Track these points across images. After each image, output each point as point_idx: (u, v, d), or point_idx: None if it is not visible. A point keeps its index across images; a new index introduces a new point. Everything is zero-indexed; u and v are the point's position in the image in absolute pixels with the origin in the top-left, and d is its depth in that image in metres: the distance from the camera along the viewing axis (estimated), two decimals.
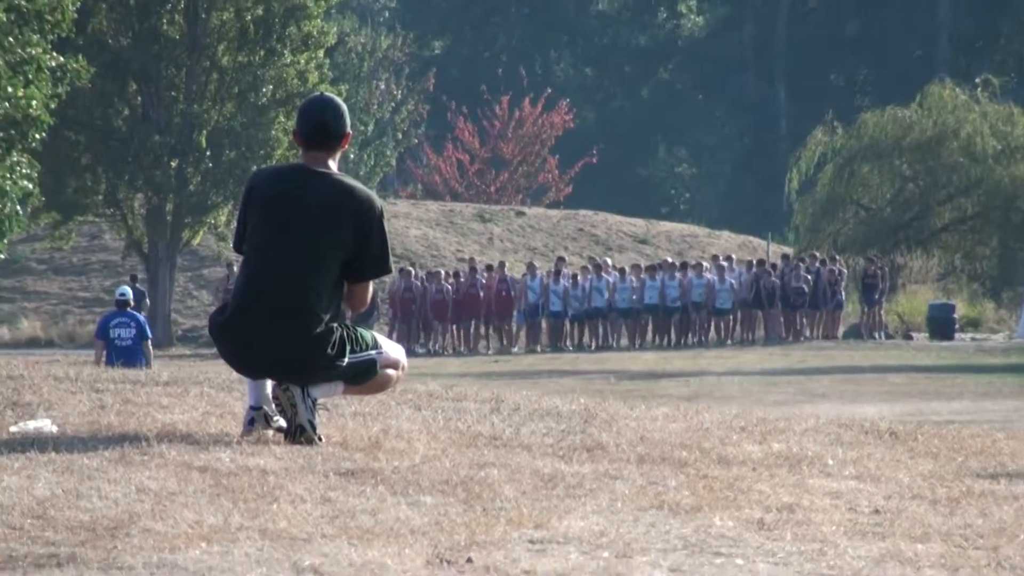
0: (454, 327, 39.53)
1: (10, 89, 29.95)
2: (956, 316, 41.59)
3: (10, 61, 30.20)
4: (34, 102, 30.27)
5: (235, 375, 7.46)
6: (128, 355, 19.79)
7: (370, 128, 66.64)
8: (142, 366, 17.36)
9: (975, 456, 7.65)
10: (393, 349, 7.30)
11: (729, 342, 39.31)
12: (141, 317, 21.26)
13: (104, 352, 20.45)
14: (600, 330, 39.61)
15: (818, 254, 42.46)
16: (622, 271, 40.35)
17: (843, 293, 40.48)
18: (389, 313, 39.77)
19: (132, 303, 21.45)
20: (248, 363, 7.08)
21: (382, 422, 7.82)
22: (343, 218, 7.03)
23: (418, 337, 38.94)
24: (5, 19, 30.16)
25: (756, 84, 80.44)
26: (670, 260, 42.69)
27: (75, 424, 7.35)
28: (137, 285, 36.88)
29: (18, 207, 31.19)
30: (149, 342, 20.94)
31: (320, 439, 6.99)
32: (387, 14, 78.60)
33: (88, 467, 6.11)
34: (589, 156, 66.01)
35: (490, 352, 38.48)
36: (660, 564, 4.89)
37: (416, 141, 70.06)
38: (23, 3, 30.29)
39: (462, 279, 39.64)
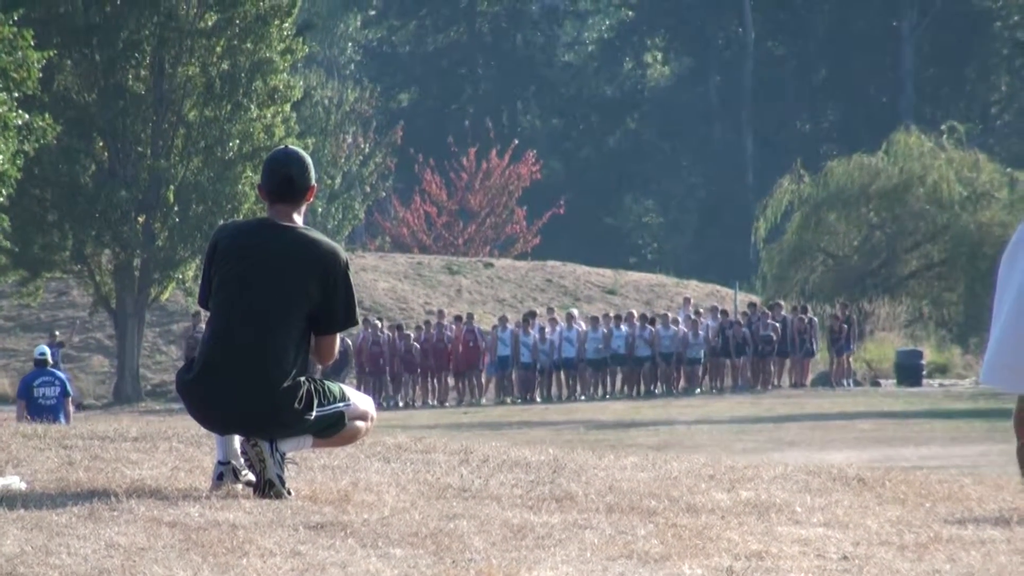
0: (422, 379, 39.48)
1: None
2: (923, 362, 41.70)
3: None
4: (0, 157, 30.19)
5: (203, 430, 7.46)
6: (51, 413, 19.94)
7: (338, 181, 66.69)
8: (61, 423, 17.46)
9: (943, 502, 7.68)
10: (361, 401, 7.30)
11: (698, 391, 39.33)
12: (63, 375, 21.71)
13: (25, 411, 20.61)
14: (569, 380, 39.59)
15: (783, 303, 42.51)
16: (594, 320, 40.39)
17: (814, 342, 40.46)
18: (356, 366, 39.69)
19: (52, 362, 21.81)
20: (216, 419, 7.07)
21: (351, 475, 7.82)
22: (308, 271, 7.04)
23: (387, 389, 38.90)
24: None
25: (722, 133, 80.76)
26: (635, 312, 42.62)
27: (44, 481, 7.33)
28: (57, 341, 39.96)
29: None
30: (69, 400, 21.19)
31: (289, 493, 6.99)
32: (353, 67, 78.75)
33: (57, 523, 6.09)
34: (556, 207, 66.15)
35: (461, 403, 38.42)
36: None
37: (384, 194, 70.12)
38: None
39: (430, 331, 39.64)
